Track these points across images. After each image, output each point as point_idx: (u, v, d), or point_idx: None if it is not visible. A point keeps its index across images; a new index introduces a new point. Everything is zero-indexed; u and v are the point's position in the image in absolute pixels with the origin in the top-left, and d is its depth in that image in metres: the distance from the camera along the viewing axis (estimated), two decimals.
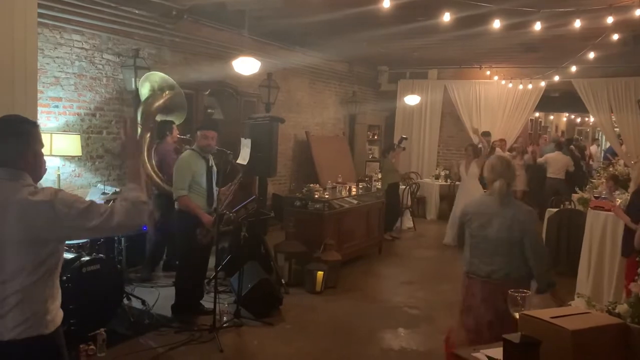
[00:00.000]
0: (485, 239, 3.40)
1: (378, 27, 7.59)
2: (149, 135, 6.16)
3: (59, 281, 2.28)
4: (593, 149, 16.94)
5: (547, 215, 7.64)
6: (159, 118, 6.31)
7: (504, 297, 2.71)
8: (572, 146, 12.33)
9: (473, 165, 8.62)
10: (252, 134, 6.78)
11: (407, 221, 10.37)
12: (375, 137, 13.03)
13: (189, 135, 6.51)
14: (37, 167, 2.24)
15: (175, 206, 5.12)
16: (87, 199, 5.59)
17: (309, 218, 6.88)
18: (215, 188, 5.14)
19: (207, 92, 8.14)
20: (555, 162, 10.91)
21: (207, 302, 5.36)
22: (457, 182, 10.67)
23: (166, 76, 6.25)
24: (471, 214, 3.49)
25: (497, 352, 2.03)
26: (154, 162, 6.19)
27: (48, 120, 5.92)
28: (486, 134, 10.11)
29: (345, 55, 11.07)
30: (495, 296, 3.22)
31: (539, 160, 11.47)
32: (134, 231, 2.23)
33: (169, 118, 6.34)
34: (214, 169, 5.20)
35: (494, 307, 3.23)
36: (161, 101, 6.19)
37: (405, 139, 10.15)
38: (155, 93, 6.21)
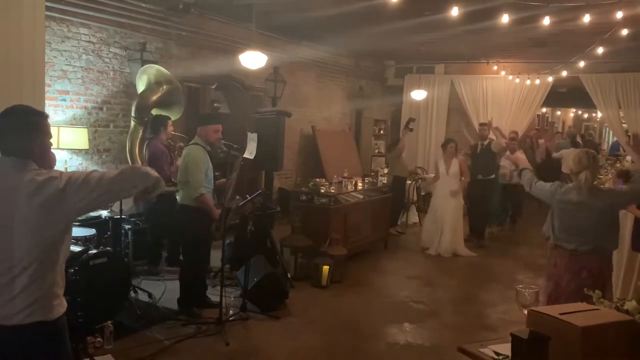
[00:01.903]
0: (575, 221, 3.63)
1: (385, 22, 7.56)
2: (142, 130, 6.17)
3: (66, 273, 2.32)
4: None
5: None
6: (154, 112, 6.32)
7: (589, 268, 3.53)
8: (578, 140, 12.37)
9: (454, 163, 8.05)
10: (258, 128, 6.77)
11: (413, 216, 10.36)
12: (382, 131, 13.00)
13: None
14: (43, 159, 2.27)
15: (178, 200, 5.13)
16: None
17: (315, 212, 6.89)
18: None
19: (214, 86, 8.14)
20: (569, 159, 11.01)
21: (213, 295, 5.38)
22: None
23: (163, 69, 6.21)
24: (563, 201, 3.70)
25: (505, 347, 2.03)
26: (145, 157, 6.20)
27: (55, 113, 5.94)
28: (484, 125, 9.44)
29: (352, 49, 11.03)
30: (581, 267, 3.58)
31: (555, 155, 11.61)
32: (142, 186, 2.30)
33: (165, 113, 6.34)
34: None
35: (579, 277, 3.55)
36: (157, 95, 6.21)
37: (414, 120, 9.82)
38: (151, 86, 6.21)
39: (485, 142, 8.91)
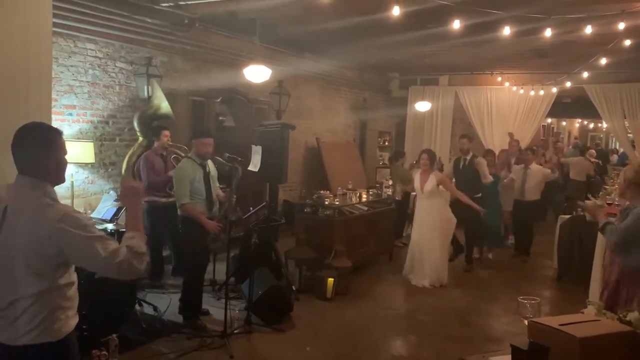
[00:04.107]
0: None
1: (388, 34, 7.61)
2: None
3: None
4: None
5: (559, 222, 7.59)
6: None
7: None
8: (589, 152, 12.67)
9: (431, 179, 6.82)
10: (263, 140, 6.81)
11: None
12: (386, 143, 13.03)
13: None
14: (58, 174, 2.30)
15: (179, 212, 5.20)
16: (100, 205, 5.61)
17: (320, 224, 6.90)
18: (214, 193, 5.26)
19: (219, 100, 8.20)
20: (578, 166, 11.52)
21: (218, 308, 5.41)
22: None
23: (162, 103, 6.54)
24: None
25: (506, 359, 2.03)
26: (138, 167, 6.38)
27: (62, 127, 6.00)
28: (465, 137, 8.04)
29: (356, 62, 11.10)
30: None
31: (563, 160, 11.76)
32: (129, 278, 2.27)
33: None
34: (212, 174, 5.29)
35: None
36: (152, 110, 6.55)
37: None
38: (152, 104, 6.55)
39: (468, 157, 7.78)
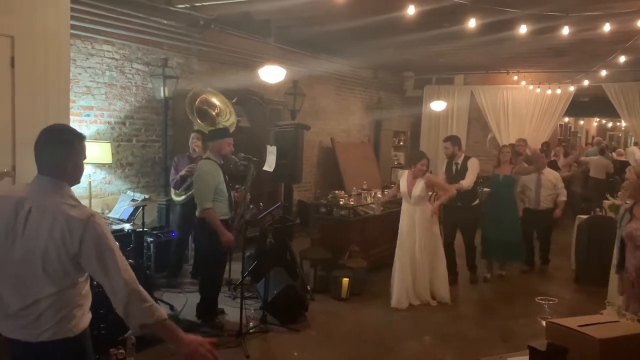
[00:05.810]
0: None
1: (403, 34, 7.59)
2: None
3: (90, 286, 2.38)
4: None
5: (577, 222, 7.49)
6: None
7: None
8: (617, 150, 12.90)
9: (419, 183, 6.01)
10: (277, 141, 6.83)
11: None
12: (401, 143, 13.00)
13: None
14: (76, 177, 2.35)
15: (197, 214, 5.16)
16: (118, 205, 5.70)
17: (334, 224, 6.89)
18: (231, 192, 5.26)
19: (234, 100, 8.23)
20: (597, 165, 11.73)
21: (233, 307, 5.44)
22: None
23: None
24: None
25: None
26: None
27: (80, 128, 6.04)
28: (451, 140, 7.07)
29: (370, 61, 11.09)
30: None
31: (583, 158, 11.76)
32: (122, 313, 2.27)
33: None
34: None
35: None
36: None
37: None
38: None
39: (460, 161, 6.90)
